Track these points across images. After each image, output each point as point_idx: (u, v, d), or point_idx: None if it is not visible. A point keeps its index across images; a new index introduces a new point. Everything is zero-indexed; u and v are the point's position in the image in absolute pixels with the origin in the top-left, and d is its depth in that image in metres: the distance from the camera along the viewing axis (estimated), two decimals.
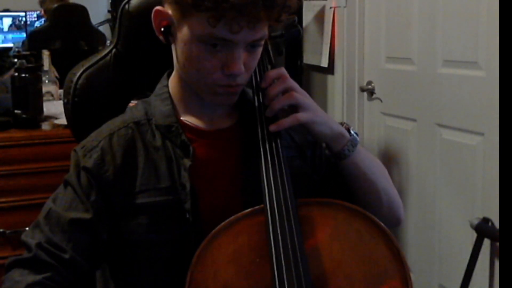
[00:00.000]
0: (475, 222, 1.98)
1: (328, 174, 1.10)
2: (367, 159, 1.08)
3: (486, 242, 1.99)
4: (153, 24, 1.01)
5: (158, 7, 1.00)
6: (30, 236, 0.98)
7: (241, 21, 0.89)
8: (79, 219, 0.98)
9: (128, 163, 1.01)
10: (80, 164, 1.01)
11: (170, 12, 0.98)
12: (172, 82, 1.08)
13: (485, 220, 1.97)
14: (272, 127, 0.99)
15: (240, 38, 0.92)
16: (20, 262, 0.96)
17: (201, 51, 0.94)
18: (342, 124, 1.05)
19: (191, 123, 1.05)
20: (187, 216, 0.98)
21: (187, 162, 1.00)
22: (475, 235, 1.99)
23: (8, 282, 0.94)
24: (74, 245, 0.97)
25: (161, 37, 1.01)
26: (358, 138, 1.04)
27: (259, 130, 1.01)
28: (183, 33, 0.96)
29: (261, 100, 1.03)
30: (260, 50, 1.00)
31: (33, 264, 0.95)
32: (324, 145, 1.07)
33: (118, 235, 1.00)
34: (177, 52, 1.01)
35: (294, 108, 1.00)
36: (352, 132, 1.04)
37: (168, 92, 1.07)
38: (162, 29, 0.99)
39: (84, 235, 0.98)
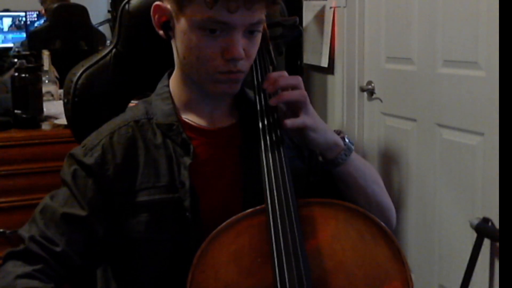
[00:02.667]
0: (475, 222, 1.98)
1: (323, 178, 1.10)
2: (361, 168, 1.07)
3: (486, 242, 1.99)
4: (152, 20, 1.02)
5: (157, 2, 1.01)
6: (26, 230, 1.00)
7: (238, 0, 0.91)
8: (73, 215, 0.99)
9: (129, 162, 1.01)
10: (77, 162, 1.02)
11: (168, 6, 0.99)
12: (173, 81, 1.08)
13: (485, 220, 1.97)
14: (289, 122, 0.97)
15: (238, 20, 0.93)
16: (15, 254, 0.98)
17: (201, 39, 0.95)
18: (338, 132, 1.05)
19: (192, 121, 1.05)
20: (187, 214, 0.98)
21: (187, 160, 1.00)
22: (475, 235, 1.99)
23: (1, 272, 0.96)
24: (67, 240, 0.98)
25: (161, 33, 1.02)
26: (353, 147, 1.04)
27: (260, 130, 1.01)
28: (182, 24, 0.97)
29: (263, 101, 1.03)
30: (259, 37, 1.00)
31: (26, 256, 0.97)
32: (318, 151, 1.06)
33: (119, 233, 1.01)
34: (177, 46, 1.02)
35: (295, 109, 1.00)
36: (347, 141, 1.04)
37: (169, 91, 1.07)
38: (162, 24, 1.01)
39: (78, 231, 0.99)
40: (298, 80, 1.00)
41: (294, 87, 1.00)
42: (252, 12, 0.94)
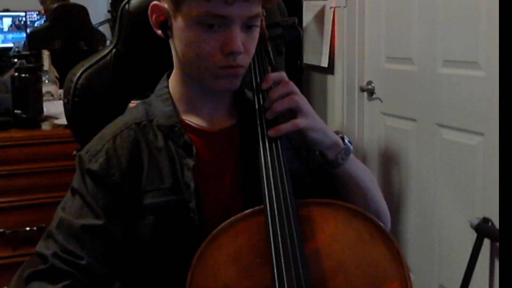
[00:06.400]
0: (475, 222, 1.98)
1: (320, 180, 1.10)
2: (359, 169, 1.08)
3: (486, 242, 1.99)
4: (150, 20, 1.02)
5: (155, 2, 1.01)
6: (44, 247, 0.98)
7: None
8: (91, 225, 0.98)
9: (134, 165, 1.01)
10: (84, 170, 1.01)
11: (165, 5, 0.99)
12: (172, 82, 1.08)
13: (485, 220, 1.97)
14: (271, 132, 0.99)
15: (235, 13, 0.93)
16: (38, 274, 0.96)
17: (199, 34, 0.95)
18: (337, 133, 1.05)
19: (193, 123, 1.05)
20: (192, 215, 0.98)
21: (190, 162, 1.00)
22: (475, 235, 1.99)
23: None
24: (90, 251, 0.97)
25: (159, 32, 1.02)
26: (351, 147, 1.05)
27: (259, 131, 1.01)
28: (179, 21, 0.97)
29: (261, 102, 1.03)
30: (257, 32, 1.00)
31: (51, 274, 0.95)
32: (317, 152, 1.07)
33: (125, 235, 1.00)
34: (175, 44, 1.01)
35: (293, 113, 1.00)
36: (346, 141, 1.04)
37: (169, 92, 1.07)
38: (160, 24, 1.01)
39: (98, 240, 0.98)
40: (288, 87, 1.01)
41: (286, 95, 1.00)
42: (249, 5, 0.94)
